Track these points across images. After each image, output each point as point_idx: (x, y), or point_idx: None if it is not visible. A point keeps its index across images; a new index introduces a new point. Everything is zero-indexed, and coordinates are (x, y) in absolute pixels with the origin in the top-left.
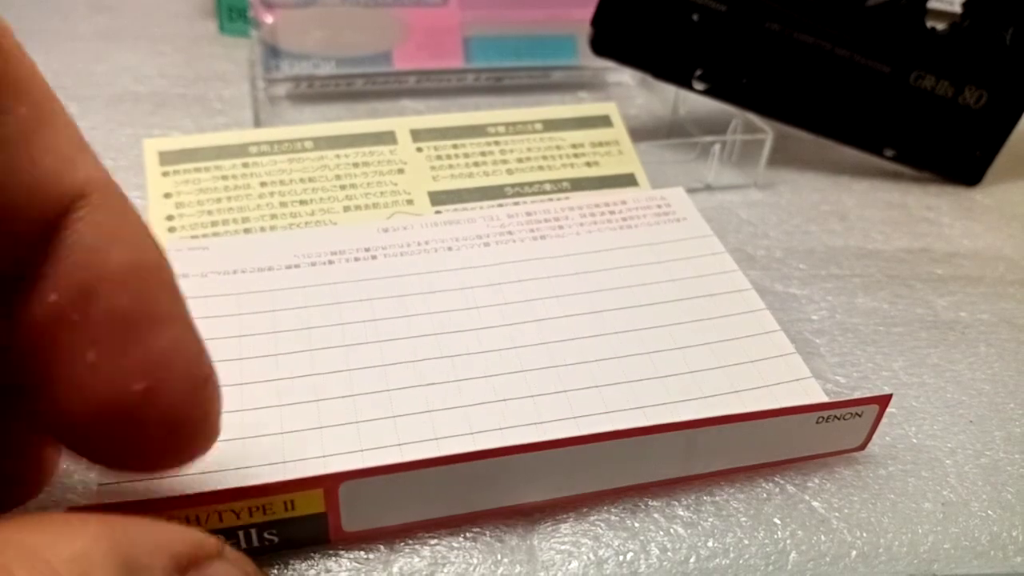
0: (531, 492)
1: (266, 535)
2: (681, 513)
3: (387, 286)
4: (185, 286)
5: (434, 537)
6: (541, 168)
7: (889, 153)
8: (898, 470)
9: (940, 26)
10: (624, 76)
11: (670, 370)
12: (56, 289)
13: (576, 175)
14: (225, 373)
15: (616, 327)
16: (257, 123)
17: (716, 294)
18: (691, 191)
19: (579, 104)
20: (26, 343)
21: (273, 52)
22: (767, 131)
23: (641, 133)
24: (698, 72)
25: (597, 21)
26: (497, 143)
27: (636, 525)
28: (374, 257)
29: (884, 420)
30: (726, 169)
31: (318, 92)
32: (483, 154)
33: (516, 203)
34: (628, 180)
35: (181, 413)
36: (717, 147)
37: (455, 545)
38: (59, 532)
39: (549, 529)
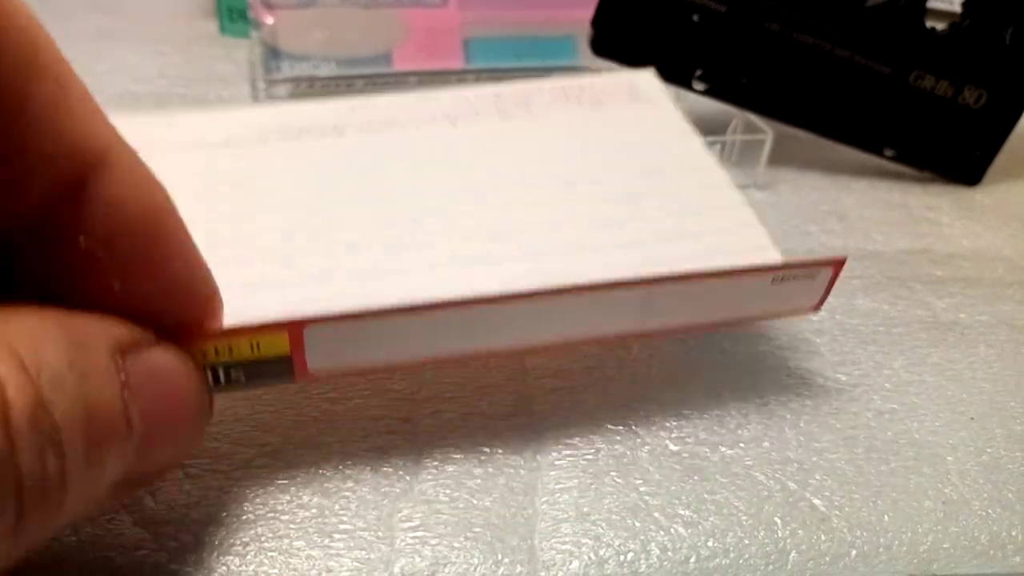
0: (490, 341)
1: (233, 373)
2: (682, 512)
3: (354, 160)
4: (154, 159)
5: (435, 537)
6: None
7: (889, 153)
8: (900, 466)
9: (940, 26)
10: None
11: (633, 238)
12: (85, 234)
13: None
14: (195, 233)
15: (581, 197)
16: None
17: (682, 169)
18: None
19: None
20: (63, 279)
21: (273, 53)
22: (767, 131)
23: None
24: (698, 72)
25: (597, 21)
26: None
27: (637, 525)
28: (342, 134)
29: (886, 415)
30: (726, 169)
31: (318, 93)
32: None
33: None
34: None
35: (193, 323)
36: (717, 147)
37: (456, 545)
38: (12, 311)
39: (550, 529)
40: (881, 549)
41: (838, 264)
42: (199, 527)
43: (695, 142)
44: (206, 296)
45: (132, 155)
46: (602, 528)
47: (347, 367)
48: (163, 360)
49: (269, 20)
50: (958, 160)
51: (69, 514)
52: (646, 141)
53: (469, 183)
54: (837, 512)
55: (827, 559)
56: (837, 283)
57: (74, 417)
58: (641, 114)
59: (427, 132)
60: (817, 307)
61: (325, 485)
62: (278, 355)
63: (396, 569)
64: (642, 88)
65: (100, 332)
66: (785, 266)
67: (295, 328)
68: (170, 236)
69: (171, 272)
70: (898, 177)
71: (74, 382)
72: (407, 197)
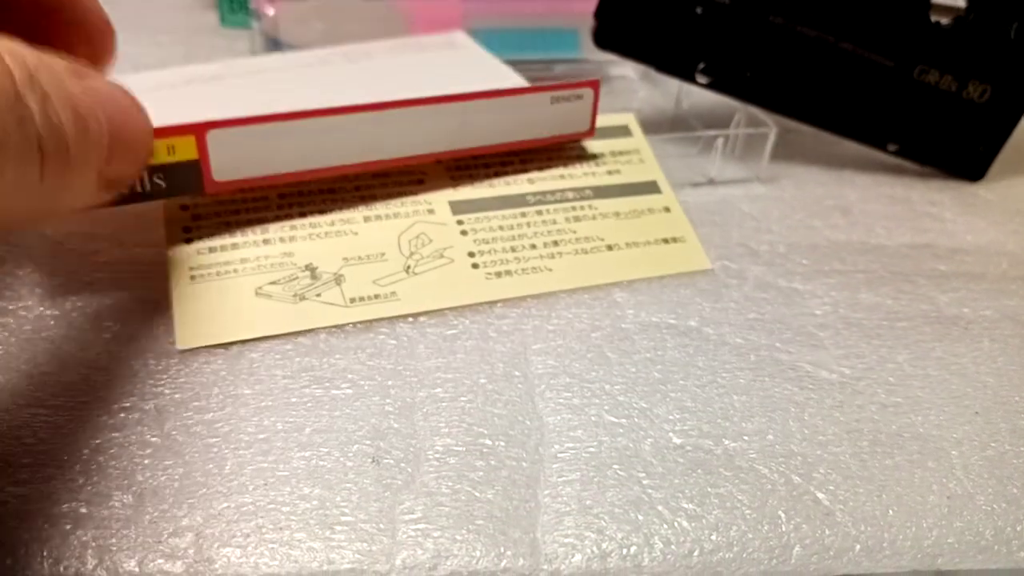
0: (366, 153)
1: (155, 179)
2: (685, 506)
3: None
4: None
5: (437, 530)
6: (563, 177)
7: (892, 148)
8: (904, 460)
9: (944, 20)
10: (627, 69)
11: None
12: None
13: (598, 183)
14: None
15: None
16: None
17: (480, 75)
18: (694, 185)
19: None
20: None
21: (274, 44)
22: (770, 125)
23: (644, 127)
24: (701, 65)
25: (600, 14)
26: (517, 154)
27: (640, 518)
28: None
29: (890, 408)
30: (729, 163)
31: None
32: (503, 164)
33: (539, 211)
34: (650, 187)
35: (96, 57)
36: (720, 141)
37: (458, 538)
38: None
39: (552, 522)
40: (885, 544)
41: (595, 84)
42: (200, 519)
43: (502, 67)
44: (105, 30)
45: None
46: (605, 521)
47: (248, 176)
48: (109, 84)
49: (270, 11)
50: (961, 155)
51: (75, 181)
52: (458, 63)
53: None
54: (841, 506)
55: (831, 553)
56: (841, 276)
57: (59, 93)
58: (458, 55)
59: (299, 72)
60: (591, 132)
61: (326, 477)
62: (189, 160)
63: (398, 561)
64: (458, 41)
65: (53, 55)
66: (555, 87)
67: (199, 130)
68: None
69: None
70: (901, 172)
71: (48, 74)
72: (291, 93)
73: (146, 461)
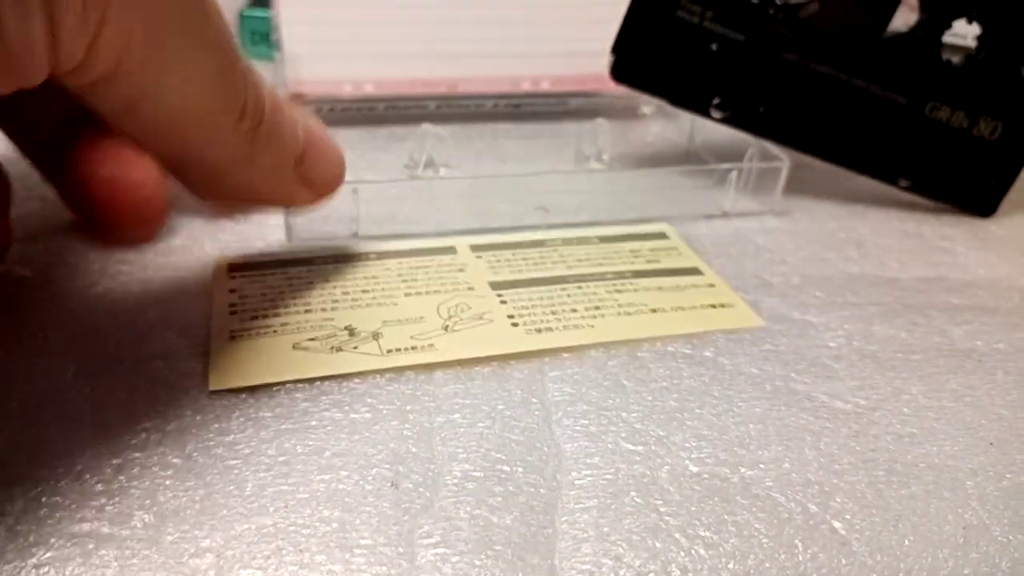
0: None
1: None
2: (702, 534)
3: None
4: None
5: (456, 554)
6: (601, 264)
7: (904, 183)
8: (920, 490)
9: (956, 59)
10: (639, 104)
11: None
12: None
13: (637, 268)
14: None
15: None
16: None
17: None
18: (708, 218)
19: (633, 226)
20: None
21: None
22: (784, 159)
23: (658, 160)
24: (716, 100)
25: (617, 49)
26: (556, 251)
27: (657, 545)
28: None
29: (905, 439)
30: (743, 196)
31: (339, 116)
32: (542, 256)
33: (579, 286)
34: (692, 271)
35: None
36: (734, 174)
37: (476, 563)
38: None
39: (570, 548)
40: (901, 574)
41: None
42: (220, 540)
43: None
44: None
45: None
46: (622, 548)
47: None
48: (306, 112)
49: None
50: (973, 191)
51: (272, 154)
52: None
53: None
54: (857, 536)
55: None
56: (854, 309)
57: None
58: None
59: None
60: None
61: (346, 500)
62: None
63: None
64: None
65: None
66: None
67: None
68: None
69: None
70: (913, 207)
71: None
72: None
73: (167, 482)
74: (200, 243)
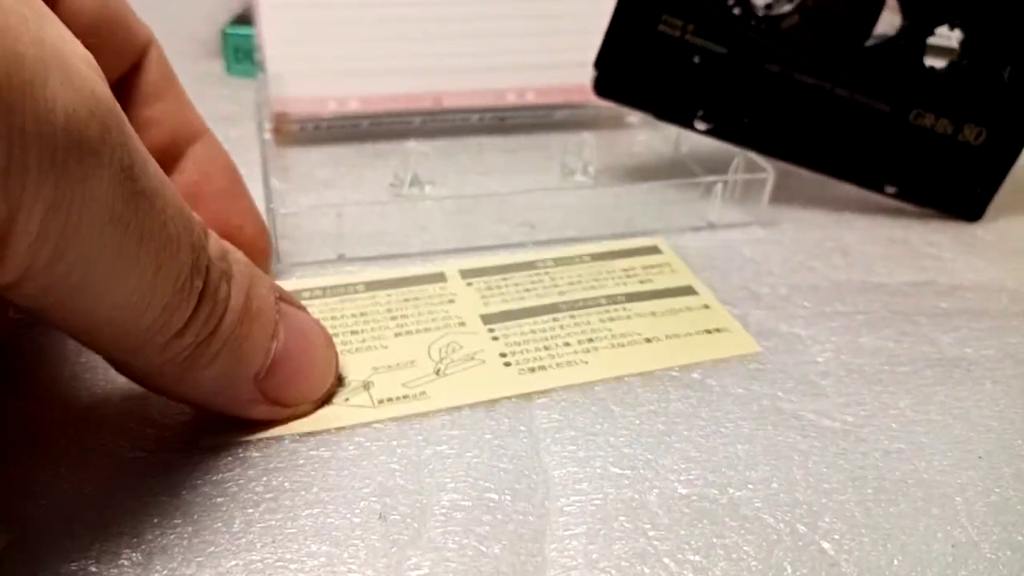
0: None
1: None
2: (692, 558)
3: None
4: None
5: (446, 573)
6: (594, 287)
7: (890, 190)
8: (909, 508)
9: (939, 64)
10: (625, 114)
11: None
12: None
13: (630, 290)
14: None
15: None
16: (264, 164)
17: None
18: (694, 229)
19: (624, 240)
20: None
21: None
22: (769, 170)
23: (643, 172)
24: (700, 112)
25: (600, 63)
26: (547, 273)
27: (647, 571)
28: None
29: (893, 455)
30: (728, 207)
31: (324, 134)
32: (533, 282)
33: (571, 315)
34: (686, 291)
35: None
36: (719, 186)
37: None
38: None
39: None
40: None
41: None
42: None
43: None
44: (259, 232)
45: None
46: (612, 575)
47: None
48: (306, 317)
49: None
50: (959, 196)
51: (222, 368)
52: None
53: None
54: (846, 556)
55: None
56: (842, 319)
57: (242, 279)
58: None
59: None
60: None
61: (334, 533)
62: None
63: None
64: None
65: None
66: None
67: None
68: (239, 181)
69: (239, 207)
70: (899, 213)
71: (243, 268)
72: None
73: (155, 519)
74: None
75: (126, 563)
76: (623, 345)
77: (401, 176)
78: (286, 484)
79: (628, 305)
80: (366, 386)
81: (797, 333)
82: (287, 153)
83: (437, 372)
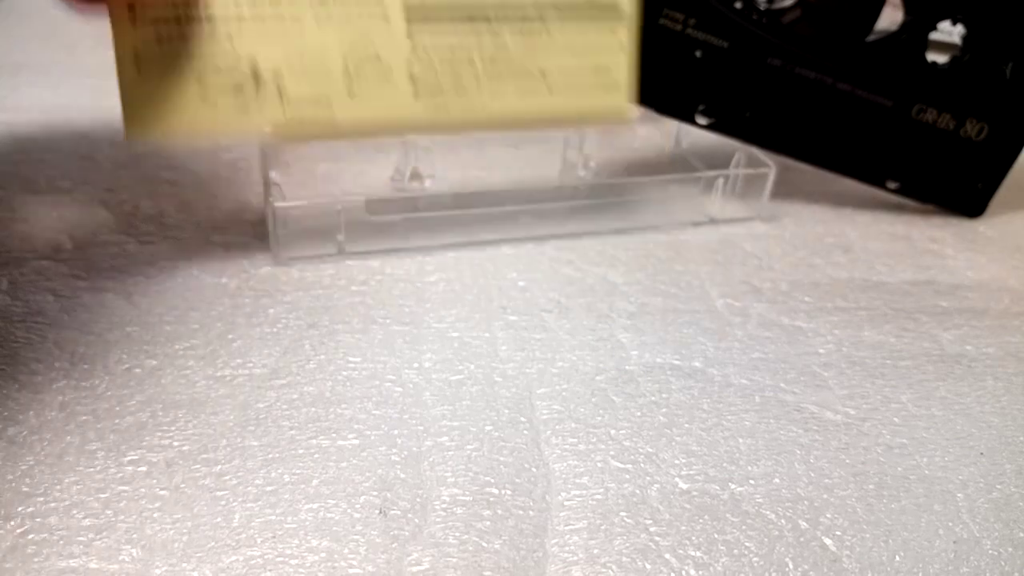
0: None
1: None
2: (693, 554)
3: None
4: None
5: (447, 568)
6: None
7: (892, 186)
8: (911, 504)
9: (941, 60)
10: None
11: None
12: None
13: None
14: None
15: None
16: (263, 158)
17: None
18: (696, 224)
19: None
20: None
21: None
22: (770, 165)
23: (644, 167)
24: (701, 107)
25: None
26: None
27: (648, 567)
28: None
29: (895, 450)
30: (730, 202)
31: None
32: None
33: (488, 23)
34: (611, 7)
35: None
36: (720, 181)
37: None
38: None
39: (560, 572)
40: None
41: None
42: (209, 572)
43: None
44: None
45: None
46: (613, 571)
47: None
48: None
49: None
50: (960, 192)
51: None
52: None
53: None
54: (848, 552)
55: None
56: (843, 314)
57: None
58: None
59: None
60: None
61: (334, 529)
62: None
63: None
64: None
65: None
66: None
67: None
68: None
69: None
70: (901, 209)
71: None
72: None
73: (155, 515)
74: None
75: (127, 559)
76: (518, 76)
77: (402, 170)
78: (286, 477)
79: (549, 25)
80: (279, 90)
81: (799, 326)
82: (287, 146)
83: (348, 91)
